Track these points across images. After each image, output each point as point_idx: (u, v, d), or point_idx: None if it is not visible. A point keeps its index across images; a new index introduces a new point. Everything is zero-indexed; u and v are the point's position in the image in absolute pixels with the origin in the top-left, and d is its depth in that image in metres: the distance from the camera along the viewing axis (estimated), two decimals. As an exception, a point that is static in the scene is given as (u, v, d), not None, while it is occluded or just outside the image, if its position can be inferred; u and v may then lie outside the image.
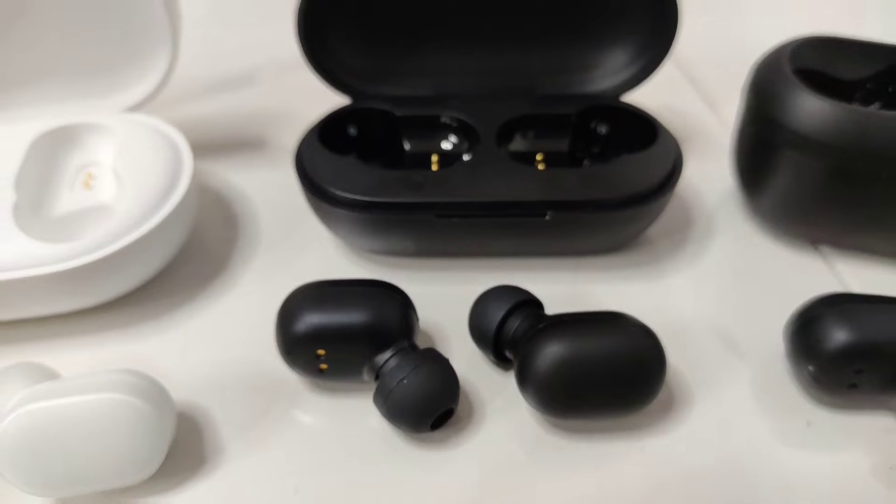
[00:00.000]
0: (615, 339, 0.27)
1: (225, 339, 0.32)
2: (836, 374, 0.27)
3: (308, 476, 0.27)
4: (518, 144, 0.37)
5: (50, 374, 0.27)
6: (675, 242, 0.36)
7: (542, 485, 0.27)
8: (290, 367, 0.28)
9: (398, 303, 0.28)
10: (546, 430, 0.28)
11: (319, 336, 0.27)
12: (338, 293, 0.28)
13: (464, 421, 0.28)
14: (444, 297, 0.32)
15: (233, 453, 0.28)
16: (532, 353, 0.26)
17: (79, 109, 0.37)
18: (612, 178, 0.32)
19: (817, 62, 0.34)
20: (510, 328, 0.28)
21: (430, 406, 0.27)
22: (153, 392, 0.26)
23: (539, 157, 0.37)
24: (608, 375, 0.26)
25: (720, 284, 0.34)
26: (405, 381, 0.26)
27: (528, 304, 0.29)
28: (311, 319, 0.27)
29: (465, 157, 0.36)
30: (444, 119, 0.37)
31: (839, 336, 0.27)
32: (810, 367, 0.28)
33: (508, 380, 0.29)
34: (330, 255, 0.35)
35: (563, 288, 0.33)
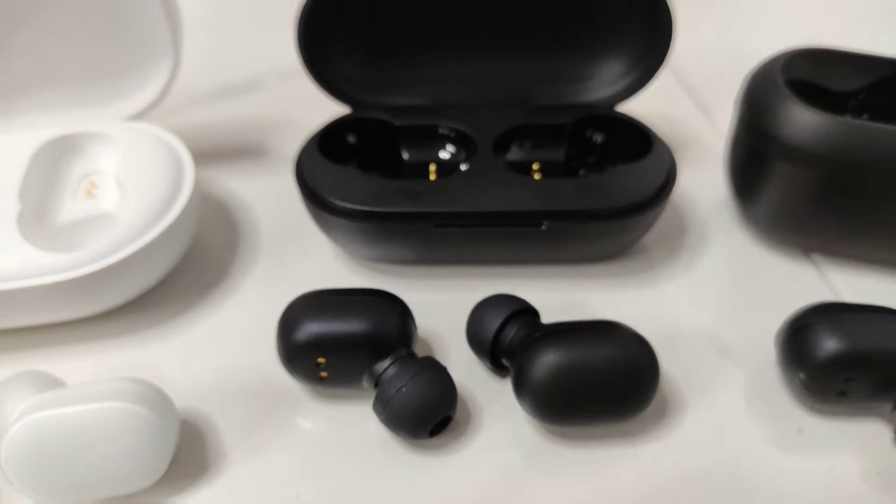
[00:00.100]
0: (610, 348, 0.27)
1: (227, 346, 0.32)
2: (826, 382, 0.28)
3: (309, 481, 0.27)
4: (514, 154, 0.37)
5: (55, 382, 0.28)
6: (669, 250, 0.36)
7: (538, 490, 0.27)
8: (291, 375, 0.29)
9: (397, 312, 0.29)
10: (542, 436, 0.29)
11: (320, 344, 0.28)
12: (338, 303, 0.29)
13: (461, 428, 0.29)
14: (442, 306, 0.32)
15: (235, 459, 0.28)
16: (528, 361, 0.27)
17: (81, 118, 0.37)
18: (607, 189, 0.33)
19: (809, 74, 0.35)
20: (507, 336, 0.29)
21: (428, 413, 0.27)
22: (157, 400, 0.26)
23: (535, 166, 0.37)
24: (603, 383, 0.27)
25: (714, 292, 0.34)
26: (404, 389, 0.27)
27: (524, 312, 0.29)
28: (312, 328, 0.28)
29: (463, 167, 0.36)
30: (442, 129, 0.37)
31: (829, 345, 0.27)
32: (801, 375, 0.28)
33: (505, 387, 0.30)
34: (329, 263, 0.36)
35: (559, 296, 0.34)
